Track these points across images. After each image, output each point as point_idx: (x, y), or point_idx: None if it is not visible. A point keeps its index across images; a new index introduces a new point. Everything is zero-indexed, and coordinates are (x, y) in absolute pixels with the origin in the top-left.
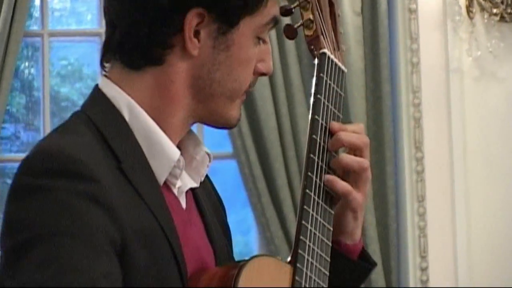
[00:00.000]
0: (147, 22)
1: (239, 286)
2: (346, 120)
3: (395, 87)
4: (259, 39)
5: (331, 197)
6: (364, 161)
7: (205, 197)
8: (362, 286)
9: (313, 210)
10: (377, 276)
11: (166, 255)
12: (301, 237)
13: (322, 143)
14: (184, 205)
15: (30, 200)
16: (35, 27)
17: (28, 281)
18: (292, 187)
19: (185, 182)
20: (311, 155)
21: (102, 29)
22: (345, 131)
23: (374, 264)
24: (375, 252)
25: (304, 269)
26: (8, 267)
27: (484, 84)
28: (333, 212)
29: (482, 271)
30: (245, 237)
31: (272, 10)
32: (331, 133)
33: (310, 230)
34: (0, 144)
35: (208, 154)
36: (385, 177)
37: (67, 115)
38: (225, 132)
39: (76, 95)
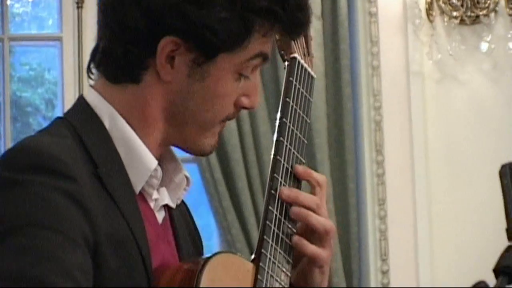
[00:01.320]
0: (124, 40)
1: (201, 283)
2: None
3: (356, 90)
4: (241, 75)
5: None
6: (329, 224)
7: (182, 220)
8: None
9: (276, 211)
10: (338, 279)
11: (136, 264)
12: (264, 236)
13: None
14: (160, 220)
15: (8, 194)
16: None
17: (4, 269)
18: (253, 190)
19: (163, 196)
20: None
21: (63, 34)
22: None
23: None
24: (336, 255)
25: (266, 268)
26: None
27: (445, 86)
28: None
29: (443, 274)
30: (208, 242)
31: (258, 46)
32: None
33: (274, 230)
34: None
35: (187, 178)
36: (346, 180)
37: (29, 120)
38: None
39: (38, 100)
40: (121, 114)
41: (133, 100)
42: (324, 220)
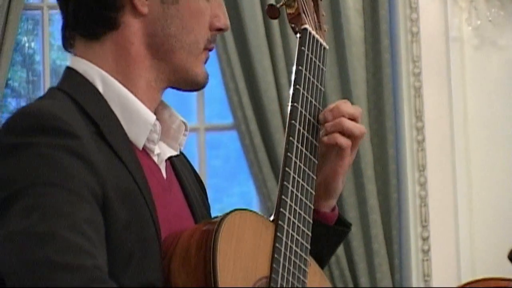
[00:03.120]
0: None
1: (220, 239)
2: (346, 88)
3: (395, 56)
4: None
5: (313, 163)
6: (362, 128)
7: (185, 171)
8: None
9: (294, 173)
10: (379, 245)
11: (144, 214)
12: (283, 196)
13: (304, 113)
14: (164, 174)
15: (12, 157)
16: (34, 0)
17: (15, 228)
18: None
19: (164, 150)
20: (295, 124)
21: None
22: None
23: (349, 226)
24: (376, 222)
25: (285, 227)
26: None
27: (484, 53)
28: (314, 178)
29: (483, 239)
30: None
31: None
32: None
33: (292, 191)
34: (2, 118)
35: (184, 123)
36: (386, 146)
37: None
38: (225, 103)
39: None
40: (110, 73)
41: (116, 48)
42: (359, 125)
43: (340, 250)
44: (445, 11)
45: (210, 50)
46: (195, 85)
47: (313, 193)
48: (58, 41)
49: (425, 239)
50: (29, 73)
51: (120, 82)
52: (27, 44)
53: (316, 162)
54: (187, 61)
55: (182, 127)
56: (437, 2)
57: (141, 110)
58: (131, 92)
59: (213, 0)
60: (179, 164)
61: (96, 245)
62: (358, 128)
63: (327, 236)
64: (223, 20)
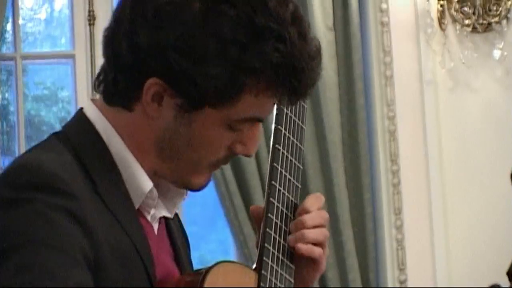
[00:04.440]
0: (114, 69)
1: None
2: (321, 133)
3: (369, 100)
4: (231, 127)
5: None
6: (325, 232)
7: (176, 230)
8: None
9: (276, 218)
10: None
11: (140, 276)
12: (265, 244)
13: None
14: (156, 231)
15: (9, 211)
16: (8, 51)
17: (6, 285)
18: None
19: (160, 210)
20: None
21: (75, 51)
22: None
23: None
24: (353, 265)
25: (269, 276)
26: None
27: (458, 95)
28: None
29: (461, 282)
30: (226, 256)
31: (250, 108)
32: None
33: (274, 237)
34: None
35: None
36: (362, 190)
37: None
38: None
39: (52, 118)
40: (118, 134)
41: (127, 125)
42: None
43: None
44: (418, 54)
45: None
46: (186, 189)
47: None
48: (32, 91)
49: (403, 282)
50: (4, 124)
51: (125, 144)
52: (0, 95)
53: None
54: (183, 172)
55: (183, 190)
56: (410, 45)
57: (138, 176)
58: (134, 155)
59: (245, 129)
60: (172, 223)
61: None
62: (322, 234)
63: None
64: (248, 149)
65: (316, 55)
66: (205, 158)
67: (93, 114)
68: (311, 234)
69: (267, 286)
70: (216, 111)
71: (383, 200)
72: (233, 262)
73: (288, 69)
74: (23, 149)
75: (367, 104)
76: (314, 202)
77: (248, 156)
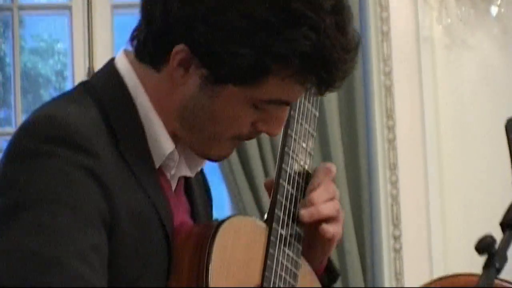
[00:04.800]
0: (147, 29)
1: (214, 249)
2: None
3: (365, 55)
4: (255, 106)
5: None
6: (339, 228)
7: (198, 189)
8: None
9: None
10: (350, 244)
11: (156, 237)
12: (278, 196)
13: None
14: (173, 187)
15: (29, 163)
16: (5, 2)
17: (17, 244)
18: (263, 157)
19: (181, 169)
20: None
21: (72, 3)
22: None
23: (337, 274)
24: (348, 220)
25: (279, 229)
26: None
27: (455, 52)
28: None
29: (455, 236)
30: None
31: (277, 90)
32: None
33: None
34: None
35: None
36: (357, 145)
37: (40, 91)
38: None
39: (49, 71)
40: (146, 92)
41: (155, 85)
42: (333, 204)
43: None
44: (415, 10)
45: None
46: (207, 158)
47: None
48: (28, 43)
49: (397, 238)
50: (0, 76)
51: (151, 103)
52: None
53: None
54: (203, 142)
55: None
56: (407, 0)
57: (160, 136)
58: (158, 115)
59: (271, 109)
60: (193, 181)
61: (100, 275)
62: (333, 208)
63: None
64: (272, 130)
65: (352, 48)
66: (227, 132)
67: (124, 67)
68: (325, 210)
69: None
70: (240, 89)
71: (379, 155)
72: (244, 216)
73: (317, 59)
74: (19, 102)
75: (364, 59)
76: (324, 175)
77: (272, 135)
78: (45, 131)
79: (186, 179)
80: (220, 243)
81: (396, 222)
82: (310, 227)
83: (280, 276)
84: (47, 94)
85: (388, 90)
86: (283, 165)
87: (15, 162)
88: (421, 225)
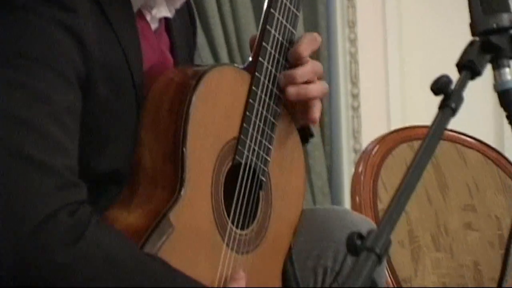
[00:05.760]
0: None
1: (194, 102)
2: None
3: None
4: None
5: None
6: (325, 86)
7: (181, 30)
8: None
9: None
10: None
11: (127, 89)
12: (263, 43)
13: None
14: (153, 27)
15: (8, 17)
16: None
17: None
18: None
19: (161, 10)
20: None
21: None
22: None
23: (311, 135)
24: None
25: (262, 78)
26: None
27: None
28: None
29: (413, 93)
30: None
31: None
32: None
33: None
34: None
35: None
36: (316, 2)
37: None
38: None
39: None
40: None
41: None
42: (321, 86)
43: None
44: None
45: None
46: None
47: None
48: None
49: (355, 96)
50: None
51: None
52: None
53: None
54: None
55: None
56: None
57: None
58: None
59: None
60: (176, 23)
61: (73, 138)
62: (320, 91)
63: None
64: None
65: None
66: None
67: None
68: (312, 92)
69: (258, 90)
70: None
71: (337, 14)
72: (228, 65)
73: None
74: None
75: None
76: (309, 46)
77: None
78: None
79: (168, 23)
80: (200, 99)
81: (354, 80)
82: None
83: (259, 126)
84: None
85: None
86: (267, 26)
87: None
88: (379, 82)
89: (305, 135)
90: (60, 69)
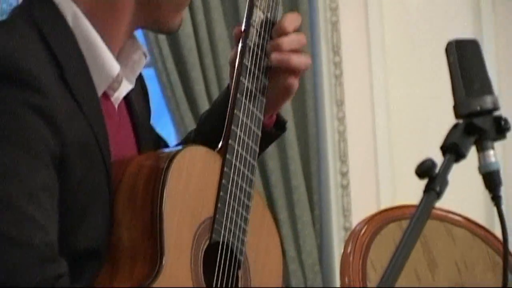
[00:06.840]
0: None
1: (168, 181)
2: None
3: None
4: None
5: (264, 85)
6: (308, 59)
7: (139, 102)
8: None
9: (245, 99)
10: (297, 181)
11: (98, 165)
12: (232, 127)
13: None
14: (116, 109)
15: None
16: None
17: None
18: (210, 94)
19: (121, 90)
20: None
21: None
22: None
23: (284, 122)
24: (295, 156)
25: (233, 160)
26: None
27: None
28: (264, 101)
29: (403, 171)
30: None
31: None
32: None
33: (242, 119)
34: None
35: (145, 54)
36: (304, 81)
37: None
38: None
39: None
40: (85, 14)
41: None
42: (304, 58)
43: (259, 186)
44: None
45: None
46: (168, 33)
47: (261, 118)
48: None
49: (344, 174)
50: None
51: (93, 26)
52: None
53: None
54: (169, 15)
55: (142, 58)
56: None
57: (106, 59)
58: (102, 37)
59: None
60: (133, 96)
61: (50, 215)
62: (304, 63)
63: (264, 139)
64: None
65: None
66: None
67: None
68: (295, 62)
69: (230, 171)
70: None
71: (325, 91)
72: (199, 145)
73: None
74: None
75: None
76: (292, 22)
77: None
78: None
79: (127, 97)
80: (174, 177)
81: (343, 159)
82: (272, 77)
83: (233, 207)
84: None
85: (335, 25)
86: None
87: None
88: (368, 161)
89: (280, 124)
90: (34, 151)
